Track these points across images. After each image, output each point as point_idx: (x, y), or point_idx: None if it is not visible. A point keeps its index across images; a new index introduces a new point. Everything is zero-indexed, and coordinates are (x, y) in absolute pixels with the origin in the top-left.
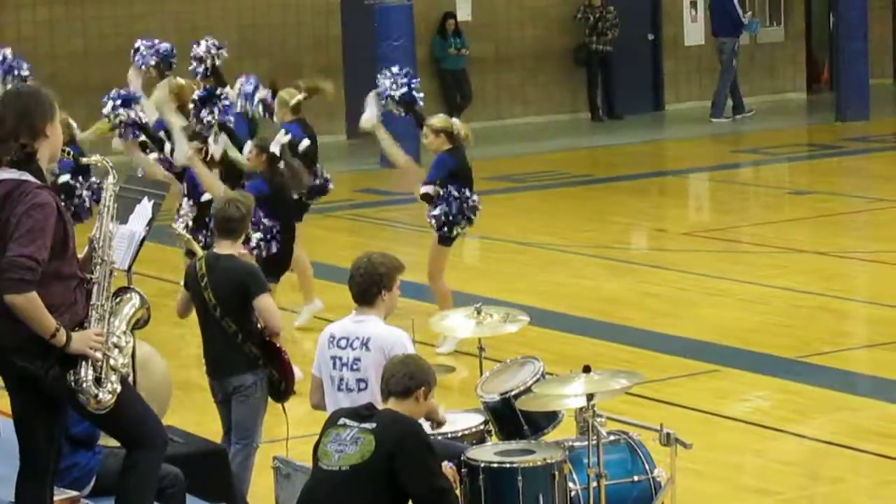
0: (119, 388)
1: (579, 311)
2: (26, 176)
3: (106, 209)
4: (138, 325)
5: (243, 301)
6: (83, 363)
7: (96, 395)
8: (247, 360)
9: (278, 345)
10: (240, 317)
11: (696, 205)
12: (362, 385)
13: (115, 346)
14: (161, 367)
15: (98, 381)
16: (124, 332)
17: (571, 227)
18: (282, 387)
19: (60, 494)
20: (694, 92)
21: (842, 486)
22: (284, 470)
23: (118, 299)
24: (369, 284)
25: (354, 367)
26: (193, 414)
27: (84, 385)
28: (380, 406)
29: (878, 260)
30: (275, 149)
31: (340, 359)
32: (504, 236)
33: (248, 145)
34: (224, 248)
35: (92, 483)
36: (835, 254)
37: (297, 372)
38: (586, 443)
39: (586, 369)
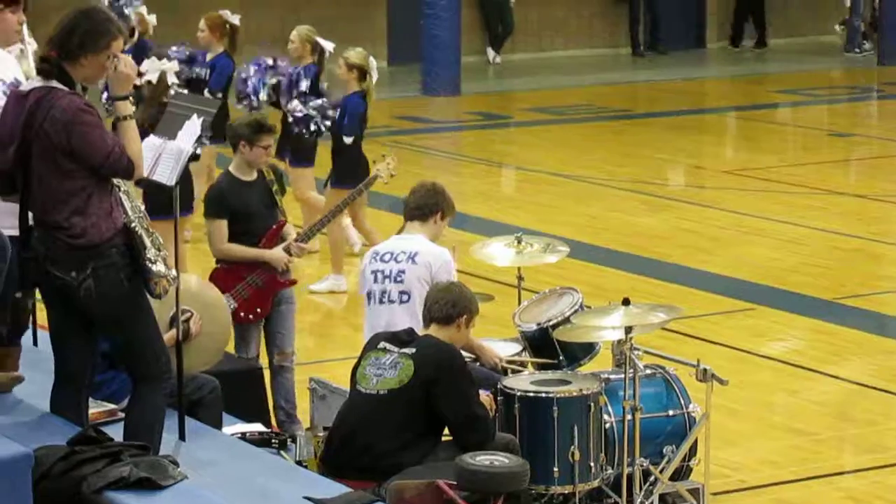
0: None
1: (615, 245)
2: (54, 83)
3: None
4: None
5: None
6: (148, 246)
7: (166, 276)
8: None
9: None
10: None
11: (735, 143)
12: (405, 297)
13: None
14: (226, 316)
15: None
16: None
17: (609, 161)
18: None
19: (98, 407)
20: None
21: (874, 429)
22: (320, 391)
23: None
24: (435, 200)
25: (398, 279)
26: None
27: (152, 266)
28: (420, 331)
29: None
30: None
31: (383, 272)
32: (541, 168)
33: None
34: None
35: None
36: (874, 197)
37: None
38: (622, 375)
39: (625, 302)
